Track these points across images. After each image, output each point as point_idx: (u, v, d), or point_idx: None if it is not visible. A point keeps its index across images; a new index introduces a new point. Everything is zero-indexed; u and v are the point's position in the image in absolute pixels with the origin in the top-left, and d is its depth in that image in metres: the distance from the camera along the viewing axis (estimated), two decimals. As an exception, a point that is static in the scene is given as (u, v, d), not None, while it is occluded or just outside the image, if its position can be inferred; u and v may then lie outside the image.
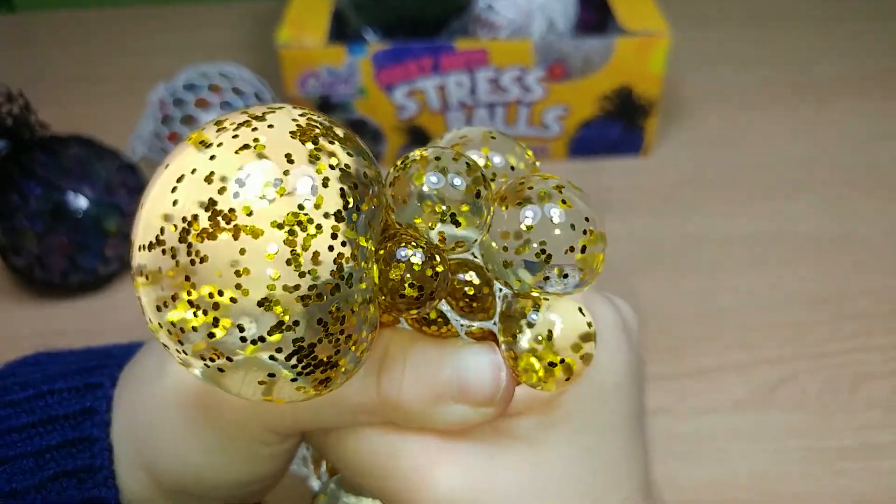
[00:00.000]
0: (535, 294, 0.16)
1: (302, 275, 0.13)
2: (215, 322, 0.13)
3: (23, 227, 0.37)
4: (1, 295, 0.40)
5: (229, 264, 0.12)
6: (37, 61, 0.64)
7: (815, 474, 0.30)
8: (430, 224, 0.15)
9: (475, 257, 0.16)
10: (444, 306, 0.16)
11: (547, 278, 0.15)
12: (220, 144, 0.13)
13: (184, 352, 0.13)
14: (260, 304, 0.12)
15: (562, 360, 0.15)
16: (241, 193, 0.12)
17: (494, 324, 0.16)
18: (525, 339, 0.16)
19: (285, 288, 0.12)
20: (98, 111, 0.56)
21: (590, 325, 0.16)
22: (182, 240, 0.12)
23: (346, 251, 0.13)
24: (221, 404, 0.17)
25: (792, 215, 0.45)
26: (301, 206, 0.13)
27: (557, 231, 0.15)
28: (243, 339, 0.13)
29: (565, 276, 0.15)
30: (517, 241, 0.15)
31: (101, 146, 0.40)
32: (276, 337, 0.13)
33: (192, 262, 0.12)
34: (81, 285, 0.39)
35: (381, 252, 0.14)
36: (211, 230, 0.12)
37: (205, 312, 0.13)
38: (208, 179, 0.13)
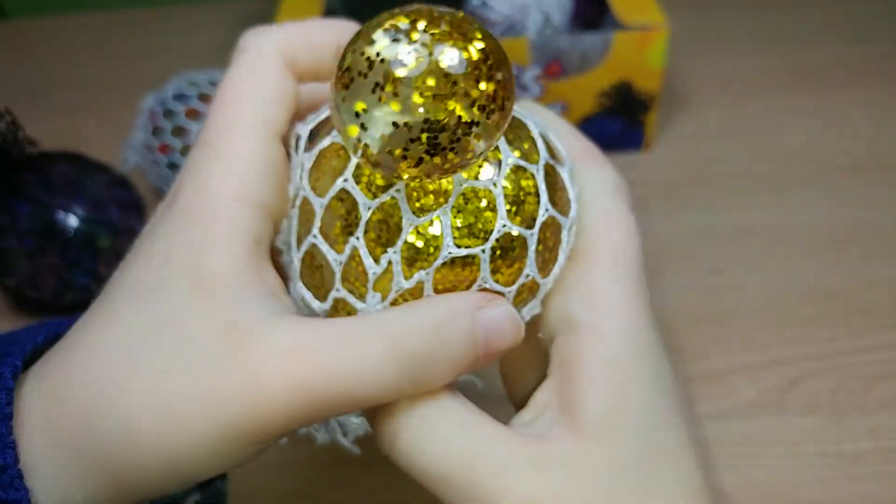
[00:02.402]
0: None
1: None
2: None
3: (13, 247, 0.36)
4: (-6, 315, 0.40)
5: None
6: (28, 68, 0.63)
7: (830, 480, 0.30)
8: None
9: None
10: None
11: None
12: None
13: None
14: None
15: None
16: None
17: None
18: None
19: None
20: (89, 117, 0.55)
21: None
22: None
23: None
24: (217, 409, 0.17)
25: (799, 207, 0.44)
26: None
27: None
28: None
29: None
30: None
31: (91, 162, 0.39)
32: None
33: None
34: (74, 304, 0.39)
35: None
36: None
37: None
38: None
